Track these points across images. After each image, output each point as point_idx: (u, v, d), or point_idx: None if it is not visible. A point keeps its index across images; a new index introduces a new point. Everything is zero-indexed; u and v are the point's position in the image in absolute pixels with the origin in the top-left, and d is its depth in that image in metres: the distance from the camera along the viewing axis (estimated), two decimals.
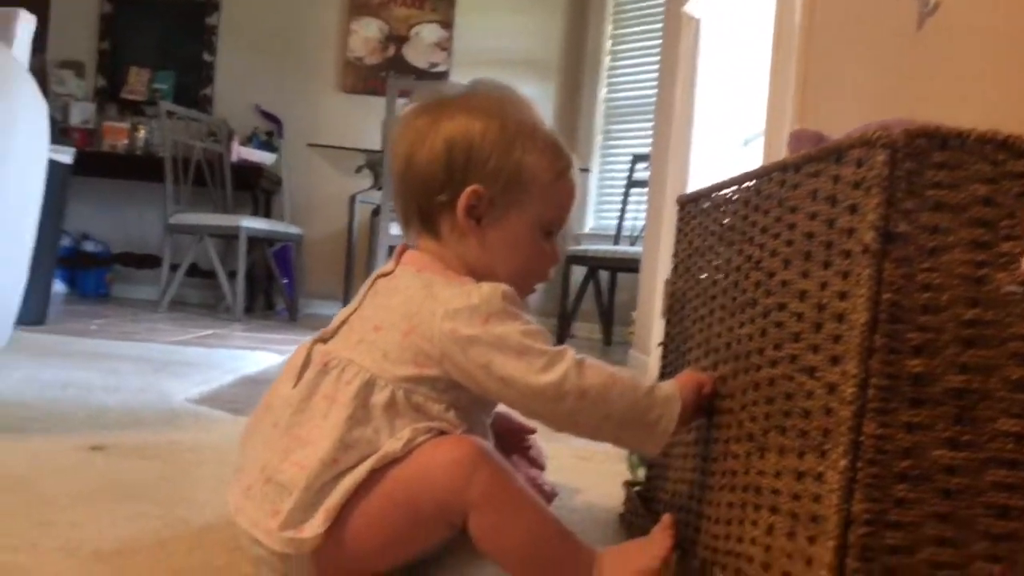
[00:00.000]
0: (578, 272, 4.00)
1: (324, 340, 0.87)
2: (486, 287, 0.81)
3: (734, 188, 0.87)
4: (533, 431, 1.18)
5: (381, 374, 0.79)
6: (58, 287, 4.39)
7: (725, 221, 0.88)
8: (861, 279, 0.55)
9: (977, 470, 0.56)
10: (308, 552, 0.76)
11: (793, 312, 0.66)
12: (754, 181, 0.81)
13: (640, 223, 3.74)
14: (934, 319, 0.55)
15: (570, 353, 0.78)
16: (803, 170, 0.68)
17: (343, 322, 0.88)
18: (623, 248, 3.85)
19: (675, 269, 1.07)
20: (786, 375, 0.66)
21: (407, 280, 0.86)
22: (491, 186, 0.85)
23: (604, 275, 4.14)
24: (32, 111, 1.72)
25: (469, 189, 0.84)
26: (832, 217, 0.61)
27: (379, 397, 0.79)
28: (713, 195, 0.94)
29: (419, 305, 0.81)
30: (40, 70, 4.47)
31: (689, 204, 1.04)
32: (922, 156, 0.55)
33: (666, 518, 0.84)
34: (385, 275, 0.89)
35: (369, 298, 0.88)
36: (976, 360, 0.56)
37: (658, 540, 0.83)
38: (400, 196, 0.90)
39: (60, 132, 3.41)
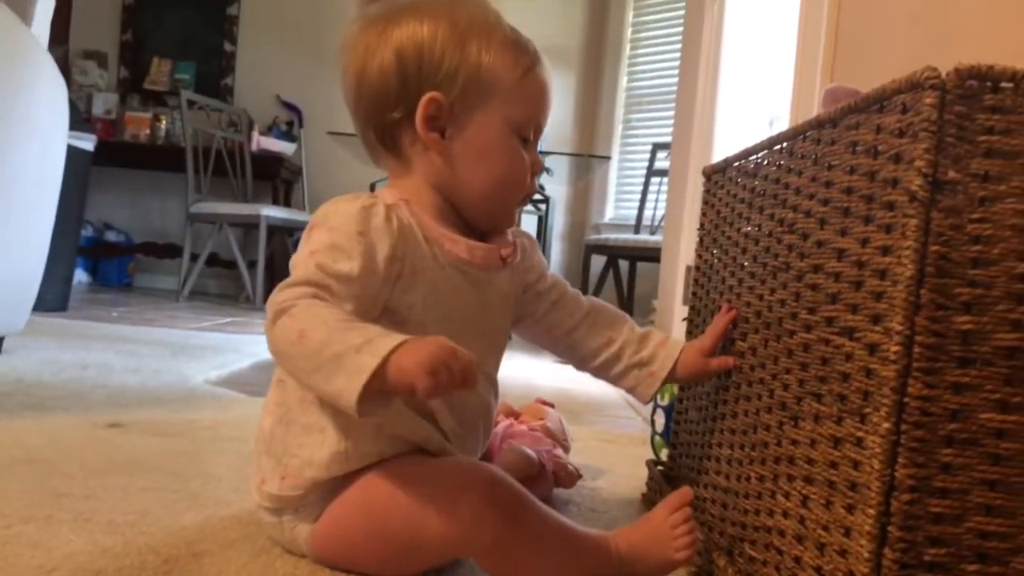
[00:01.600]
0: (597, 262, 3.95)
1: None
2: (342, 199, 0.75)
3: (764, 152, 0.84)
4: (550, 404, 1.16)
5: None
6: (81, 277, 4.41)
7: (754, 187, 0.85)
8: (907, 230, 0.52)
9: None
10: (276, 509, 0.77)
11: (830, 272, 0.63)
12: (785, 143, 0.78)
13: (660, 212, 3.69)
14: (984, 273, 0.52)
15: (280, 305, 0.67)
16: (841, 124, 0.64)
17: None
18: (643, 237, 3.80)
19: (700, 242, 1.04)
20: (822, 339, 0.63)
21: None
22: (449, 91, 0.77)
23: (624, 265, 4.09)
24: (51, 89, 1.71)
25: (426, 98, 0.76)
26: (874, 169, 0.58)
27: None
28: (740, 162, 0.91)
29: None
30: (63, 60, 4.50)
31: (716, 174, 1.01)
32: (973, 99, 0.51)
33: (684, 491, 0.79)
34: None
35: None
36: None
37: (675, 527, 0.76)
38: (358, 121, 0.83)
39: (83, 122, 3.41)
